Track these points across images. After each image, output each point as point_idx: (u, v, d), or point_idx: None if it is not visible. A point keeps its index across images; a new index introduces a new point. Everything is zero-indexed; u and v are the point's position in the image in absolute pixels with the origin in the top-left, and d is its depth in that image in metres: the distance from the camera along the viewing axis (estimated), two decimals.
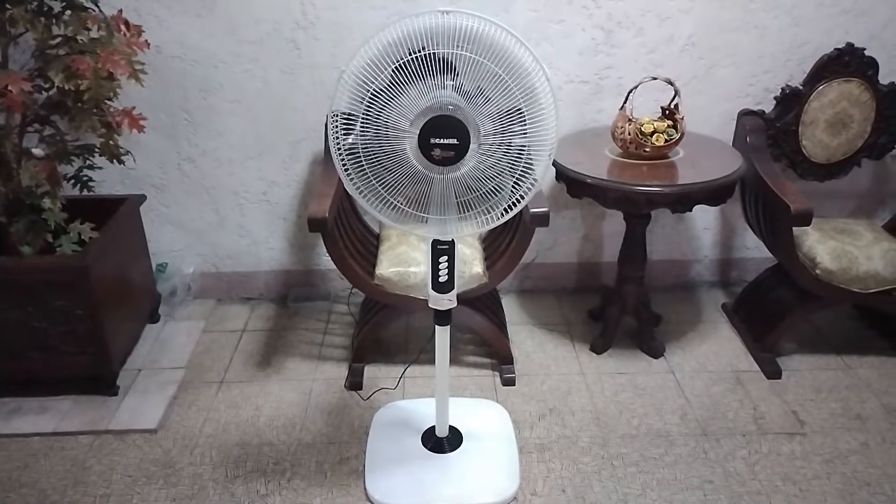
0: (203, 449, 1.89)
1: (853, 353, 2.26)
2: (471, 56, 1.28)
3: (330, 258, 1.93)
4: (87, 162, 2.04)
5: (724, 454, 1.86)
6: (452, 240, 1.52)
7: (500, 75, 1.30)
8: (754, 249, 2.62)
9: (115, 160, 1.97)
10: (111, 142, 1.93)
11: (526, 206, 1.45)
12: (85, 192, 2.10)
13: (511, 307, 2.56)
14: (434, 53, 1.27)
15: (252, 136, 2.34)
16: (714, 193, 1.96)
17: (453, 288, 1.59)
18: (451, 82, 1.31)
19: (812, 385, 2.13)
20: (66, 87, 1.74)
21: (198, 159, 2.37)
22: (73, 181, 2.06)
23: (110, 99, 1.88)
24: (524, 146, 1.36)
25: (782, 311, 2.20)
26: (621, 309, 2.26)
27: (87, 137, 1.96)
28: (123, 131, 1.92)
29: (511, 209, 1.43)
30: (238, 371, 2.22)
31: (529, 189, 1.40)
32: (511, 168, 1.38)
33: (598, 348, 2.29)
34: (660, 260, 2.62)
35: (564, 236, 2.58)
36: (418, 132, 1.32)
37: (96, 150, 1.98)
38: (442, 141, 1.32)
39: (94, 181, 2.10)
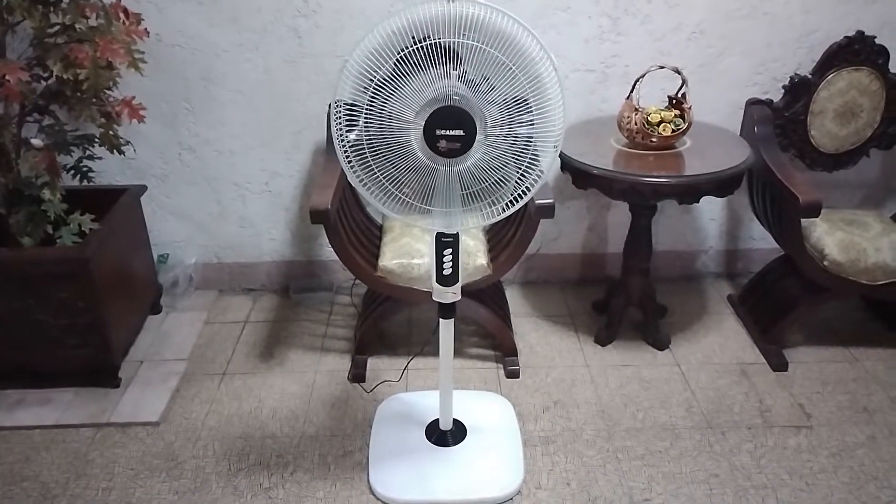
0: (206, 441, 1.88)
1: (860, 346, 2.25)
2: (476, 45, 1.26)
3: (332, 249, 1.91)
4: (87, 152, 2.03)
5: (729, 447, 1.85)
6: (457, 232, 1.50)
7: (506, 64, 1.27)
8: (761, 240, 2.60)
9: (114, 150, 1.96)
10: (111, 132, 1.92)
11: (531, 197, 1.43)
12: (85, 183, 2.08)
13: (515, 299, 2.54)
14: (439, 42, 1.25)
15: (254, 125, 2.32)
16: (722, 184, 1.94)
17: (458, 281, 1.57)
18: (456, 72, 1.29)
19: (819, 378, 2.11)
20: (65, 77, 1.73)
21: (199, 149, 2.35)
22: (72, 172, 2.05)
23: (109, 88, 1.87)
24: (531, 137, 1.33)
25: (789, 303, 2.19)
26: (626, 300, 2.24)
27: (86, 127, 1.94)
28: (123, 121, 1.90)
29: (517, 201, 1.41)
30: (240, 363, 2.21)
31: (536, 181, 1.38)
32: (517, 159, 1.36)
33: (602, 340, 2.27)
34: (665, 251, 2.60)
35: (569, 227, 2.56)
36: (423, 123, 1.30)
37: (96, 140, 1.97)
38: (448, 132, 1.30)
39: (94, 172, 2.09)
